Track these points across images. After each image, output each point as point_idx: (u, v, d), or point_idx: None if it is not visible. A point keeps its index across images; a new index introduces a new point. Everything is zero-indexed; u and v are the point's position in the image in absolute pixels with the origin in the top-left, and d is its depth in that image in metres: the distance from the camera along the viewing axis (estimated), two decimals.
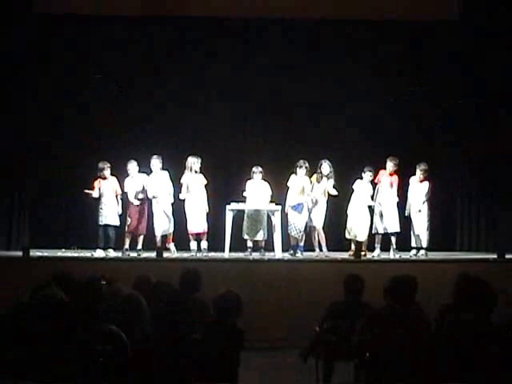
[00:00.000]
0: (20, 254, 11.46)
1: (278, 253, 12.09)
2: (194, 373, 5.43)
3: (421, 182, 12.45)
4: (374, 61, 14.44)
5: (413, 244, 12.44)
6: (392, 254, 12.20)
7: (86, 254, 12.21)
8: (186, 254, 12.21)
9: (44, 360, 5.00)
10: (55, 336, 5.08)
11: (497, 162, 14.09)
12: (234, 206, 12.39)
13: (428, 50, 14.43)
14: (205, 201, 12.40)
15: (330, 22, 14.05)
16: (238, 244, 12.48)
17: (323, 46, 14.43)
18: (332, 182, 12.52)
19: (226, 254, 12.05)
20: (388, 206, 12.37)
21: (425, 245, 12.30)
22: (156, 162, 12.44)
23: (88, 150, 13.76)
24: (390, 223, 12.33)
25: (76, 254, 12.31)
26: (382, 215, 12.39)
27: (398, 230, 12.40)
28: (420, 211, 12.34)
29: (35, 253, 11.78)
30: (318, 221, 12.38)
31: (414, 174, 12.59)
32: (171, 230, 12.50)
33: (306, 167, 12.44)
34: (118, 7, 13.71)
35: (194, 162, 12.39)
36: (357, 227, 12.36)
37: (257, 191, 12.51)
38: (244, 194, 12.57)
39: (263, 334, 10.13)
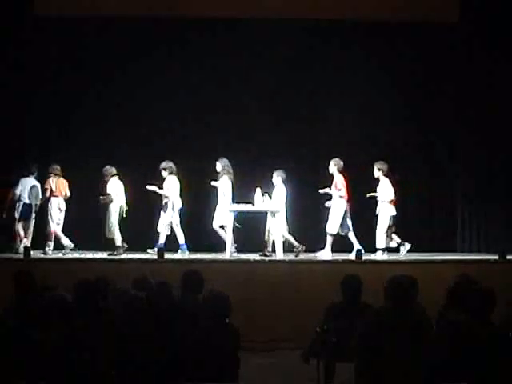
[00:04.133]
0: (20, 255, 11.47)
1: (279, 254, 12.09)
2: (194, 372, 5.44)
3: (379, 181, 12.40)
4: (374, 61, 14.45)
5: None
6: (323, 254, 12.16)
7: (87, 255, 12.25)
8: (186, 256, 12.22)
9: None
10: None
11: (497, 162, 14.10)
12: (234, 207, 12.39)
13: (428, 50, 14.42)
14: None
15: (328, 22, 14.04)
16: (239, 245, 12.48)
17: (322, 47, 14.41)
18: (225, 178, 12.44)
19: (227, 255, 12.06)
20: (332, 207, 12.33)
21: (378, 246, 12.21)
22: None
23: (95, 153, 13.78)
24: (327, 223, 12.31)
25: (77, 255, 12.31)
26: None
27: (330, 231, 12.28)
28: (378, 211, 12.29)
29: (36, 254, 11.78)
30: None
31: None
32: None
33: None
34: (116, 8, 13.72)
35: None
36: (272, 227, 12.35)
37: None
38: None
39: (264, 335, 10.14)
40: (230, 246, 12.11)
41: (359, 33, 14.21)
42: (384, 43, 14.34)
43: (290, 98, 14.55)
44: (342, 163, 12.45)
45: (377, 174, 12.42)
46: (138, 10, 13.74)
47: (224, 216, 12.32)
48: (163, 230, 12.47)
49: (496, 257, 11.53)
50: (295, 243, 12.41)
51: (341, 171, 12.45)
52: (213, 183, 12.60)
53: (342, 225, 12.32)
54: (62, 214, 12.67)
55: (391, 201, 12.34)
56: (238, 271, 10.78)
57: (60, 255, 12.30)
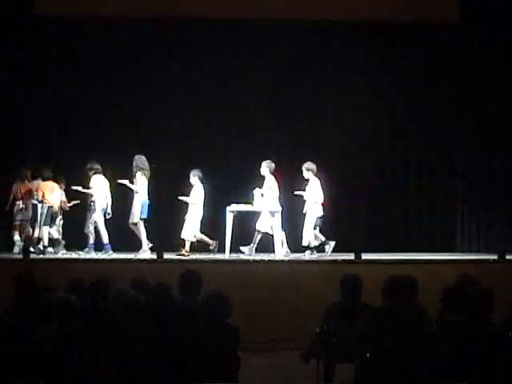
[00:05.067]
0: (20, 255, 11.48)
1: (279, 254, 12.09)
2: (194, 372, 5.44)
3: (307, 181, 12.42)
4: (374, 61, 14.46)
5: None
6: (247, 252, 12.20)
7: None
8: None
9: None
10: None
11: (497, 162, 14.09)
12: (234, 207, 12.40)
13: (428, 50, 14.42)
14: None
15: (328, 23, 14.04)
16: (239, 245, 12.49)
17: (322, 47, 14.41)
18: (137, 174, 12.36)
19: (227, 255, 12.06)
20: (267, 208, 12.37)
21: (303, 243, 12.23)
22: None
23: (95, 153, 13.78)
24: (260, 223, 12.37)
25: (76, 256, 12.31)
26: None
27: (259, 229, 12.30)
28: (305, 211, 12.33)
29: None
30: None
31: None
32: None
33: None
34: (116, 8, 13.72)
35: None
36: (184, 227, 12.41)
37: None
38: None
39: (264, 335, 10.12)
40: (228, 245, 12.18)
41: (359, 33, 14.21)
42: (384, 43, 14.35)
43: (289, 97, 14.56)
44: (273, 165, 12.40)
45: (306, 174, 12.39)
46: (137, 11, 13.75)
47: (138, 213, 12.27)
48: (91, 230, 12.49)
49: (495, 257, 11.53)
50: (209, 241, 12.42)
51: (272, 173, 12.42)
52: (121, 180, 12.46)
53: (275, 225, 12.35)
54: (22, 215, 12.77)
55: (318, 201, 12.31)
56: (237, 271, 10.77)
57: (59, 256, 12.33)
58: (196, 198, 12.40)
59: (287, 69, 14.47)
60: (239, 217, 12.50)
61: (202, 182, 12.52)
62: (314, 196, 12.34)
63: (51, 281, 7.05)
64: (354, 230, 14.29)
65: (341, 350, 6.49)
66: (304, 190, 12.43)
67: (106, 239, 12.39)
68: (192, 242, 12.40)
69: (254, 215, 12.54)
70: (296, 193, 12.47)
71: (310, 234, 12.25)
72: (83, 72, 14.14)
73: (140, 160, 12.38)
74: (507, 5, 13.63)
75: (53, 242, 12.72)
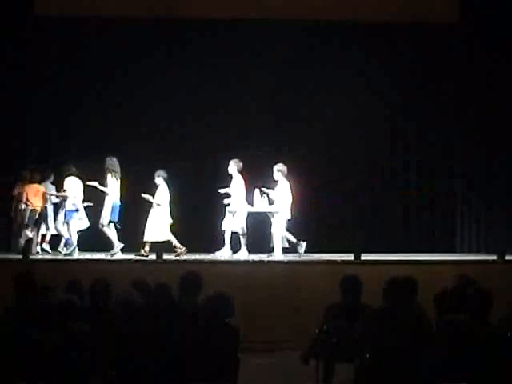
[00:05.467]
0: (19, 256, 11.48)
1: (278, 254, 12.09)
2: (193, 373, 5.44)
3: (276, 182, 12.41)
4: (374, 62, 14.48)
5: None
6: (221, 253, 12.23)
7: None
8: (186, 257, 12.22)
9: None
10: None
11: (497, 162, 14.10)
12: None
13: (428, 51, 14.43)
14: None
15: (328, 23, 14.05)
16: (238, 246, 12.48)
17: (322, 47, 14.41)
18: (108, 176, 12.33)
19: (226, 256, 12.07)
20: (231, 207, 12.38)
21: (273, 245, 12.21)
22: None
23: (95, 153, 13.78)
24: (233, 224, 12.34)
25: (75, 257, 12.31)
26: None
27: (225, 229, 12.30)
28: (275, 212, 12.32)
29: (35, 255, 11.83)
30: None
31: None
32: None
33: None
34: (116, 8, 13.72)
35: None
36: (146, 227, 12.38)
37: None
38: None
39: (263, 336, 10.13)
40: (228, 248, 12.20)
41: (359, 33, 14.21)
42: (384, 44, 14.35)
43: (289, 97, 14.56)
44: (241, 164, 12.37)
45: (276, 175, 12.36)
46: (137, 11, 13.75)
47: (107, 215, 12.25)
48: (64, 230, 12.55)
49: (495, 257, 11.53)
50: (178, 244, 12.36)
51: (240, 171, 12.41)
52: (91, 182, 12.47)
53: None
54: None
55: (287, 202, 12.32)
56: (237, 272, 10.76)
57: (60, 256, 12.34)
58: (160, 199, 12.35)
59: (287, 69, 14.47)
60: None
61: (166, 183, 12.51)
62: (283, 197, 12.29)
63: (51, 281, 7.04)
64: (353, 230, 14.32)
65: (340, 350, 6.49)
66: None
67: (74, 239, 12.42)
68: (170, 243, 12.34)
69: (253, 216, 12.54)
70: (221, 190, 12.41)
71: (279, 235, 12.20)
72: (83, 72, 14.15)
73: (111, 162, 12.35)
74: (507, 5, 13.63)
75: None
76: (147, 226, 12.25)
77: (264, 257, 11.94)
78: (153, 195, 12.32)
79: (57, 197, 12.77)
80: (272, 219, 12.36)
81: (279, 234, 12.22)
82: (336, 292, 6.99)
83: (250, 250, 12.33)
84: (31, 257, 11.50)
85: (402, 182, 14.82)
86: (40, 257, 12.04)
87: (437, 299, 6.10)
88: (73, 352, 5.06)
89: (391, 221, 14.62)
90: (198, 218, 13.75)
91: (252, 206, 12.26)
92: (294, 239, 12.29)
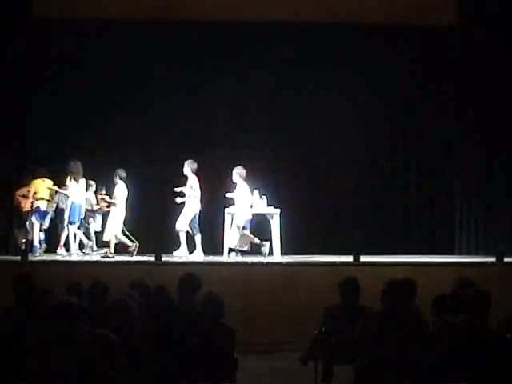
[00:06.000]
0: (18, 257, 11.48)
1: (277, 256, 12.09)
2: (191, 374, 5.45)
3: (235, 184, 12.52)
4: (374, 62, 14.49)
5: None
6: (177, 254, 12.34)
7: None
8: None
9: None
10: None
11: (497, 162, 14.10)
12: (232, 209, 12.40)
13: (428, 51, 14.44)
14: None
15: (328, 24, 14.05)
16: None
17: (322, 48, 14.41)
18: (67, 179, 12.57)
19: (225, 258, 12.06)
20: (185, 206, 12.48)
21: (229, 246, 12.25)
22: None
23: (95, 153, 13.81)
24: (177, 221, 12.45)
25: (74, 258, 12.33)
26: None
27: (179, 228, 12.42)
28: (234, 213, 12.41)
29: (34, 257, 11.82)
30: None
31: None
32: None
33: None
34: (115, 10, 13.72)
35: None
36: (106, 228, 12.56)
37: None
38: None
39: (262, 337, 10.13)
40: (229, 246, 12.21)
41: (359, 34, 14.21)
42: (384, 44, 14.36)
43: (290, 97, 14.56)
44: (195, 165, 12.48)
45: (234, 178, 12.43)
46: (137, 13, 13.75)
47: (67, 217, 12.55)
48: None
49: (494, 259, 11.52)
50: (128, 243, 12.51)
51: (195, 172, 12.47)
52: (52, 186, 12.66)
53: (194, 225, 12.43)
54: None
55: (246, 204, 12.36)
56: (236, 273, 10.76)
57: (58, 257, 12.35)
58: (117, 199, 12.45)
59: (287, 69, 14.47)
60: None
61: (125, 182, 12.58)
62: (241, 199, 12.36)
63: (50, 282, 7.06)
64: (353, 230, 14.32)
65: (339, 351, 6.49)
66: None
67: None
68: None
69: (253, 217, 12.54)
70: (227, 195, 12.53)
71: (236, 237, 12.25)
72: (83, 73, 14.15)
73: (73, 165, 12.50)
74: (507, 6, 13.63)
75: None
76: (107, 226, 12.47)
77: (261, 258, 11.95)
78: (110, 195, 12.54)
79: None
80: (271, 221, 12.38)
81: (278, 236, 12.25)
82: (335, 293, 6.99)
83: (249, 252, 12.37)
84: (30, 258, 11.50)
85: (401, 182, 14.82)
86: (39, 258, 12.04)
87: (436, 301, 6.10)
88: (73, 353, 5.06)
89: (391, 221, 14.62)
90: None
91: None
92: (257, 240, 12.36)
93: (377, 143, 14.73)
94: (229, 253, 12.22)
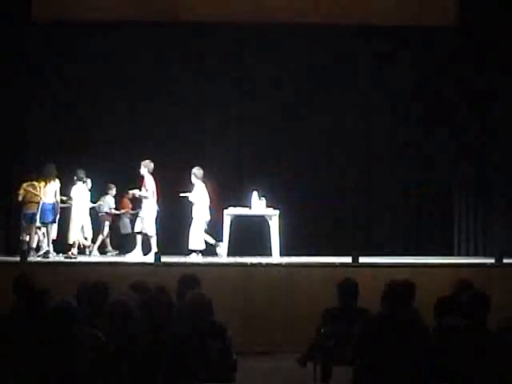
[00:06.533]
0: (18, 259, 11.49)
1: (276, 257, 12.09)
2: (190, 374, 5.46)
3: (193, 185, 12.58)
4: (373, 65, 14.51)
5: None
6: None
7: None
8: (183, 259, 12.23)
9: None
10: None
11: (494, 165, 14.11)
12: (231, 210, 12.40)
13: (427, 52, 14.46)
14: None
15: (328, 27, 14.06)
16: (235, 248, 12.50)
17: (322, 49, 14.43)
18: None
19: (224, 259, 12.07)
20: (142, 208, 12.63)
21: (191, 247, 12.34)
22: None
23: (95, 153, 13.82)
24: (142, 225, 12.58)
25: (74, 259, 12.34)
26: None
27: (137, 230, 12.61)
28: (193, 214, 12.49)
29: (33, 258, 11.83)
30: None
31: None
32: None
33: None
34: (114, 12, 13.74)
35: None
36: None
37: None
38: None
39: (261, 339, 10.13)
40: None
41: (359, 35, 14.23)
42: (384, 45, 14.39)
43: (289, 98, 14.56)
44: (152, 165, 12.50)
45: (192, 179, 12.47)
46: (137, 15, 13.77)
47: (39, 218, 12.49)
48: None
49: (493, 260, 11.54)
50: (86, 243, 12.66)
51: (151, 173, 12.50)
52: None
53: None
54: None
55: (205, 205, 12.40)
56: (235, 275, 10.77)
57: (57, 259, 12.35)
58: (75, 199, 12.54)
59: (287, 69, 14.46)
60: (237, 220, 12.51)
61: (84, 183, 12.68)
62: (199, 199, 12.41)
63: (48, 283, 7.06)
64: (352, 232, 14.33)
65: (338, 352, 6.50)
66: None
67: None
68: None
69: (252, 218, 12.56)
70: (181, 194, 12.56)
71: (198, 238, 12.31)
72: (83, 73, 14.17)
73: (45, 168, 12.48)
74: (507, 6, 13.65)
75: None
76: (69, 227, 12.53)
77: (261, 259, 11.98)
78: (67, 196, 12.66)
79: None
80: (270, 222, 12.38)
81: (277, 237, 12.26)
82: (334, 295, 7.00)
83: (248, 253, 12.38)
84: (29, 259, 11.50)
85: (401, 183, 14.81)
86: (38, 259, 12.04)
87: (438, 304, 6.11)
88: (72, 353, 5.07)
89: (390, 223, 14.62)
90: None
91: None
92: (212, 240, 12.46)
93: (377, 143, 14.74)
94: (190, 254, 12.25)
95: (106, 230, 13.64)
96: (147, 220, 12.43)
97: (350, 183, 14.54)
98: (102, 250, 13.50)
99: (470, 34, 14.07)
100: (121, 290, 6.32)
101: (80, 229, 12.67)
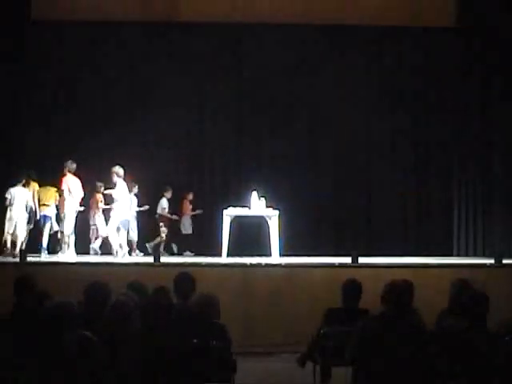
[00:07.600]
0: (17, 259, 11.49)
1: (276, 257, 12.09)
2: (189, 374, 5.46)
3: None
4: (374, 66, 14.52)
5: None
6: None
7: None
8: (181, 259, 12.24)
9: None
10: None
11: (494, 166, 14.12)
12: (231, 210, 12.40)
13: (427, 53, 14.47)
14: None
15: (328, 27, 14.07)
16: (236, 248, 12.49)
17: (322, 50, 14.44)
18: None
19: (224, 259, 12.07)
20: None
21: (116, 247, 12.38)
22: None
23: (95, 153, 13.83)
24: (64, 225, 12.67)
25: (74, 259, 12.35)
26: None
27: (67, 232, 12.64)
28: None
29: (32, 258, 11.83)
30: None
31: None
32: None
33: None
34: (113, 12, 13.74)
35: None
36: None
37: None
38: None
39: (261, 339, 10.13)
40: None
41: (359, 36, 14.24)
42: (384, 46, 14.39)
43: (289, 99, 14.56)
44: (74, 165, 12.54)
45: (113, 178, 12.45)
46: (136, 15, 13.77)
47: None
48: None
49: (492, 261, 11.54)
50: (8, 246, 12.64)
51: (74, 173, 12.56)
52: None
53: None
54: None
55: (123, 204, 12.43)
56: (234, 275, 10.77)
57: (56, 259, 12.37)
58: (7, 199, 12.57)
59: (287, 70, 14.47)
60: (237, 220, 12.51)
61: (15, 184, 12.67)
62: (119, 198, 12.41)
63: (47, 284, 7.06)
64: (351, 232, 14.33)
65: (338, 353, 6.50)
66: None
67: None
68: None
69: (252, 218, 12.55)
70: (105, 192, 12.69)
71: (114, 236, 12.37)
72: (83, 74, 14.17)
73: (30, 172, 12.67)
74: (506, 8, 13.65)
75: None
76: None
77: (261, 259, 11.98)
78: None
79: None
80: (270, 222, 12.38)
81: (276, 237, 12.25)
82: (334, 295, 7.01)
83: (247, 253, 12.38)
84: (28, 259, 11.50)
85: (400, 183, 14.81)
86: (37, 259, 12.04)
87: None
88: (72, 353, 5.06)
89: (389, 223, 14.62)
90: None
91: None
92: (122, 241, 12.50)
93: (376, 143, 14.74)
94: (116, 253, 12.27)
95: (164, 231, 13.75)
96: (69, 221, 12.55)
97: (350, 183, 14.53)
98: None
99: (470, 34, 14.07)
100: (119, 290, 6.33)
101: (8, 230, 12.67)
